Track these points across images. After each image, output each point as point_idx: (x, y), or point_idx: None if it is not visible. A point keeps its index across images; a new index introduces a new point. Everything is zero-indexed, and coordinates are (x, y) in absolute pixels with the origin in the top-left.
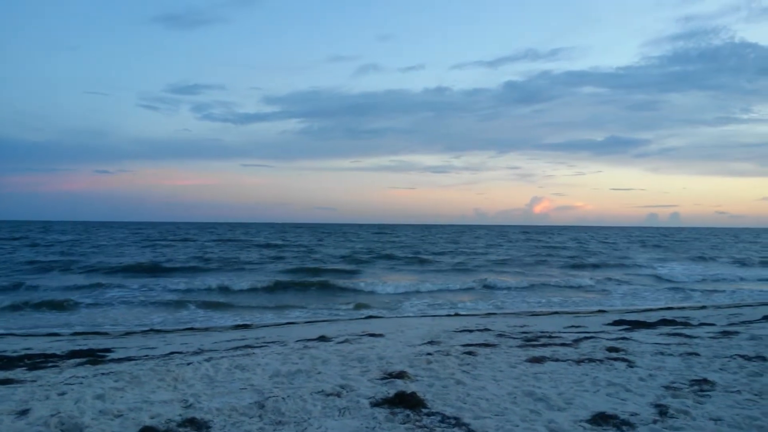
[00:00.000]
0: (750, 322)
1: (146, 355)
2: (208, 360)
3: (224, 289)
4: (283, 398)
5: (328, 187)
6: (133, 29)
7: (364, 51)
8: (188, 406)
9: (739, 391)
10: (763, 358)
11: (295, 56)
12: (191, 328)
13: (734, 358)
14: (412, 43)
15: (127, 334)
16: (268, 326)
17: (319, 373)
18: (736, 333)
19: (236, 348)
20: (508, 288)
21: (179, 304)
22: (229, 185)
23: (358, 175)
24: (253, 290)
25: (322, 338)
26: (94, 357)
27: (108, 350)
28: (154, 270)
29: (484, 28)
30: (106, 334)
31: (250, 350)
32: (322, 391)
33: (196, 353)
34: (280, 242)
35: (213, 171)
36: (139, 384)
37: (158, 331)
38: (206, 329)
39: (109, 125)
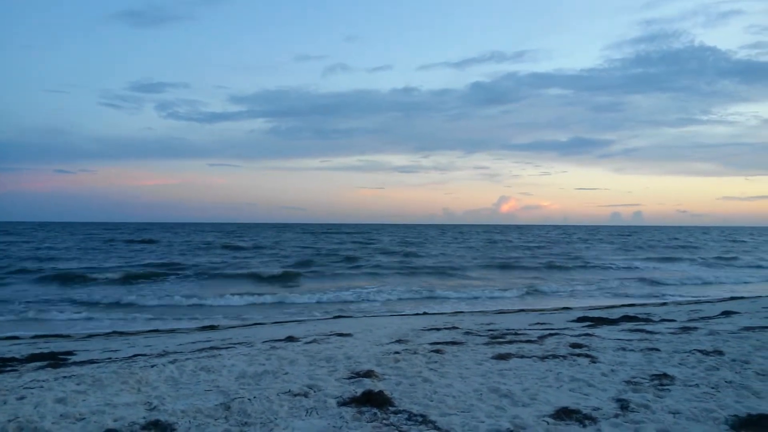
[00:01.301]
0: (709, 318)
1: (109, 358)
2: (172, 362)
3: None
4: (249, 399)
5: (296, 187)
6: (93, 26)
7: (332, 51)
8: (152, 408)
9: (697, 385)
10: (721, 353)
11: (262, 55)
12: (156, 330)
13: (693, 353)
14: (380, 43)
15: (90, 336)
16: (234, 327)
17: (286, 373)
18: (696, 329)
19: (202, 350)
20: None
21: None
22: (195, 185)
23: (327, 175)
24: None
25: (290, 338)
26: (55, 360)
27: (70, 353)
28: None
29: (451, 30)
30: (68, 336)
31: (216, 351)
32: (289, 391)
33: (160, 355)
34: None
35: (178, 171)
36: (101, 387)
37: (122, 333)
38: (171, 331)
39: (70, 124)
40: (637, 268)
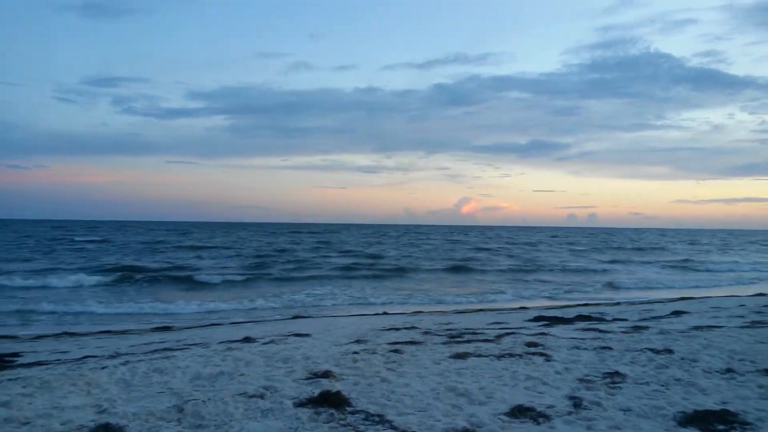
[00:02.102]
0: (660, 317)
1: (58, 360)
2: (124, 363)
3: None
4: (203, 401)
5: (256, 186)
6: (47, 17)
7: (295, 48)
8: (102, 411)
9: (647, 383)
10: (670, 351)
11: (222, 51)
12: (108, 331)
13: (644, 352)
14: (344, 42)
15: (39, 337)
16: (190, 328)
17: (242, 374)
18: (647, 328)
19: (155, 351)
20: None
21: None
22: (151, 182)
23: (288, 174)
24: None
25: (247, 339)
26: (0, 362)
27: (16, 354)
28: None
29: (416, 31)
30: (14, 337)
31: (169, 353)
32: (245, 393)
33: (112, 357)
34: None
35: (134, 167)
36: (49, 389)
37: (72, 334)
38: (124, 332)
39: (23, 118)
40: (594, 270)
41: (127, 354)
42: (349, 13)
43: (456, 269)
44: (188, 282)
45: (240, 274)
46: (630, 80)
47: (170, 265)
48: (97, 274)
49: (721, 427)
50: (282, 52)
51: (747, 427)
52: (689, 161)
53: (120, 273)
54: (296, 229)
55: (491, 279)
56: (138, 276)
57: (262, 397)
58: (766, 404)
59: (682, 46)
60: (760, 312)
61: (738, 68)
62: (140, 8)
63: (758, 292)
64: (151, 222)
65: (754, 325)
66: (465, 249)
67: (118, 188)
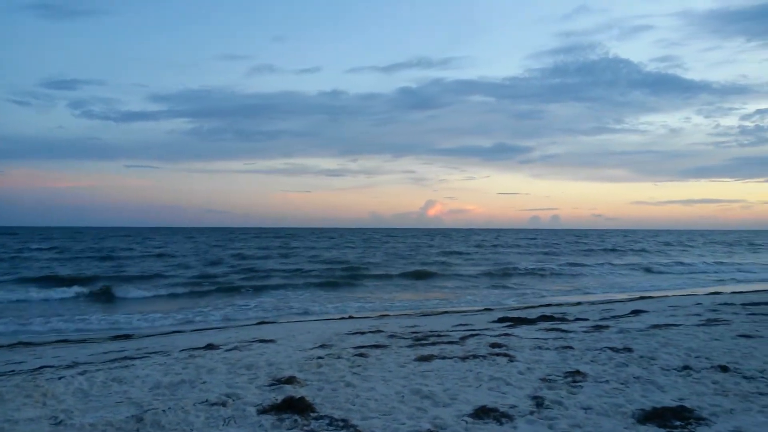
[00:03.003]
0: (620, 316)
1: (12, 371)
2: (82, 373)
3: None
4: (163, 410)
5: (219, 190)
6: (0, 17)
7: (258, 51)
8: (58, 423)
9: (607, 381)
10: (630, 350)
11: (183, 53)
12: (65, 340)
13: (604, 351)
14: (308, 45)
15: None
16: (151, 336)
17: (204, 382)
18: (607, 327)
19: (114, 360)
20: None
21: None
22: (110, 187)
23: (252, 178)
24: None
25: (210, 346)
26: None
27: None
28: None
29: (380, 34)
30: None
31: (129, 362)
32: (207, 401)
33: (69, 367)
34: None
35: (92, 172)
36: (1, 402)
37: (27, 344)
38: (82, 341)
39: None
40: (561, 273)
41: (85, 363)
42: (313, 16)
43: (418, 274)
44: (113, 295)
45: (183, 284)
46: (590, 85)
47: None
48: (41, 286)
49: (678, 423)
50: (245, 55)
51: (702, 422)
52: (647, 164)
53: (66, 285)
54: (259, 234)
55: (455, 284)
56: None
57: (224, 404)
58: (721, 399)
59: (639, 52)
60: (715, 310)
61: (694, 73)
62: (98, 9)
63: (714, 291)
64: (109, 228)
65: (709, 323)
66: (430, 252)
67: (75, 193)
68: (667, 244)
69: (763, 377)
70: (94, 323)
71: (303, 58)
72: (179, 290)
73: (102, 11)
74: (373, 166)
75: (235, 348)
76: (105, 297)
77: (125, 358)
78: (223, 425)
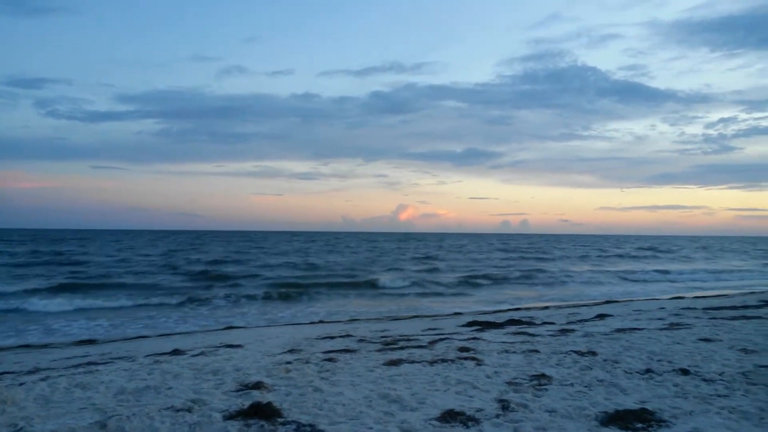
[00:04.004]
0: (585, 320)
1: None
2: (44, 379)
3: None
4: (127, 417)
5: (190, 192)
6: None
7: (229, 52)
8: (18, 430)
9: (572, 384)
10: (594, 353)
11: (152, 53)
12: (27, 345)
13: (569, 354)
14: (280, 47)
15: None
16: (116, 341)
17: (170, 388)
18: (573, 330)
19: (78, 365)
20: None
21: None
22: (76, 189)
23: (222, 181)
24: None
25: (176, 352)
26: None
27: None
28: None
29: (352, 38)
30: None
31: (93, 367)
32: (172, 407)
33: (30, 372)
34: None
35: (58, 173)
36: None
37: None
38: (44, 346)
39: None
40: (526, 276)
41: (47, 369)
42: (285, 19)
43: (372, 283)
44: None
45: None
46: (559, 92)
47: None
48: None
49: (640, 425)
50: (215, 56)
51: (662, 424)
52: (614, 170)
53: None
54: (229, 238)
55: (417, 290)
56: None
57: (189, 410)
58: (681, 402)
59: (607, 60)
60: (678, 314)
61: (659, 82)
62: (65, 7)
63: (677, 295)
64: (74, 231)
65: (672, 327)
66: (403, 258)
67: (39, 194)
68: (651, 249)
69: (722, 380)
70: None
71: (275, 60)
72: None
73: (69, 9)
74: (345, 170)
75: (202, 353)
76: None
77: (89, 363)
78: (188, 431)
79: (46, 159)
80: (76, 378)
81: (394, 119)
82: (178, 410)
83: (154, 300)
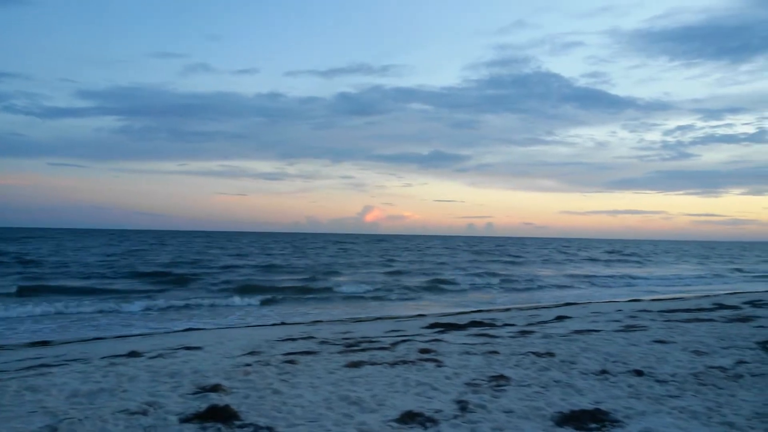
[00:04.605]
0: (545, 322)
1: None
2: None
3: None
4: (80, 420)
5: (151, 191)
6: None
7: (193, 49)
8: None
9: (529, 385)
10: (552, 355)
11: (114, 48)
12: None
13: (528, 355)
14: (246, 45)
15: None
16: (71, 342)
17: (125, 391)
18: (532, 332)
19: (30, 368)
20: None
21: None
22: (33, 186)
23: (185, 180)
24: None
25: (133, 354)
26: None
27: None
28: None
29: (319, 38)
30: None
31: (46, 369)
32: (126, 409)
33: None
34: None
35: (13, 170)
36: None
37: None
38: None
39: None
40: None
41: None
42: (250, 16)
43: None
44: None
45: None
46: (523, 97)
47: None
48: None
49: (594, 425)
50: (179, 53)
51: (616, 424)
52: (576, 175)
53: None
54: (190, 237)
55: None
56: None
57: (144, 413)
58: (634, 402)
59: (570, 67)
60: (634, 317)
61: (620, 89)
62: None
63: (634, 298)
64: (29, 229)
65: (628, 329)
66: (372, 262)
67: None
68: (614, 252)
69: (674, 381)
70: None
71: (240, 59)
72: None
73: (28, 2)
74: (311, 171)
75: (160, 355)
76: None
77: (42, 365)
78: None
79: (1, 156)
80: (27, 381)
81: (360, 121)
82: (132, 413)
83: (110, 301)
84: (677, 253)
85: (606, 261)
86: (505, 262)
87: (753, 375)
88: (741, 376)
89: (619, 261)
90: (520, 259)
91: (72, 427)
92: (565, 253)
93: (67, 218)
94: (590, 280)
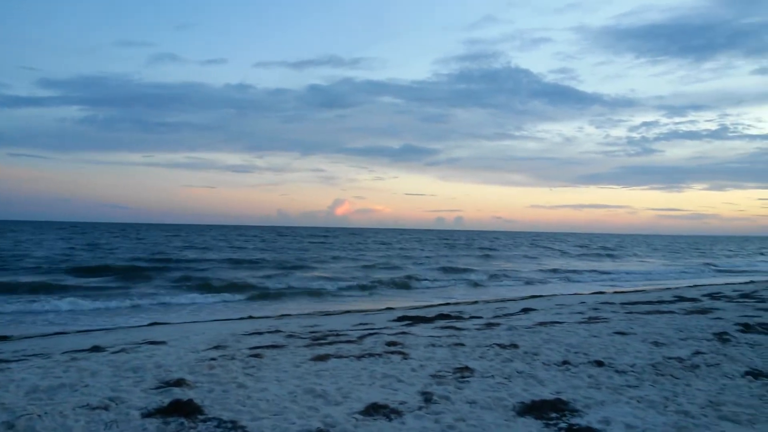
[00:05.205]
0: (511, 314)
1: None
2: None
3: None
4: (39, 416)
5: (117, 183)
6: None
7: (160, 38)
8: None
9: (492, 376)
10: (516, 346)
11: (78, 36)
12: None
13: (492, 347)
14: (214, 35)
15: None
16: (32, 337)
17: (86, 386)
18: (498, 324)
19: None
20: None
21: None
22: None
23: (152, 171)
24: None
25: (96, 348)
26: None
27: None
28: None
29: (289, 29)
30: None
31: (4, 365)
32: (88, 405)
33: None
34: None
35: None
36: None
37: None
38: None
39: None
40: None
41: None
42: (219, 6)
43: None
44: None
45: None
46: (493, 92)
47: None
48: None
49: (554, 414)
50: (145, 42)
51: (575, 413)
52: (544, 170)
53: None
54: (156, 230)
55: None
56: None
57: (106, 408)
58: (594, 392)
59: (539, 63)
60: (596, 309)
61: (587, 86)
62: None
63: (598, 291)
64: None
65: (590, 321)
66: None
67: None
68: (583, 246)
69: (633, 371)
70: None
71: (208, 49)
72: None
73: None
74: (281, 164)
75: (123, 350)
76: None
77: (0, 360)
78: (104, 429)
79: None
80: None
81: (331, 113)
82: (93, 408)
83: (72, 295)
84: (647, 246)
85: (576, 255)
86: (477, 257)
87: (708, 365)
88: (697, 366)
89: (586, 255)
90: (491, 253)
91: (30, 423)
92: (536, 246)
93: (27, 210)
94: (562, 274)
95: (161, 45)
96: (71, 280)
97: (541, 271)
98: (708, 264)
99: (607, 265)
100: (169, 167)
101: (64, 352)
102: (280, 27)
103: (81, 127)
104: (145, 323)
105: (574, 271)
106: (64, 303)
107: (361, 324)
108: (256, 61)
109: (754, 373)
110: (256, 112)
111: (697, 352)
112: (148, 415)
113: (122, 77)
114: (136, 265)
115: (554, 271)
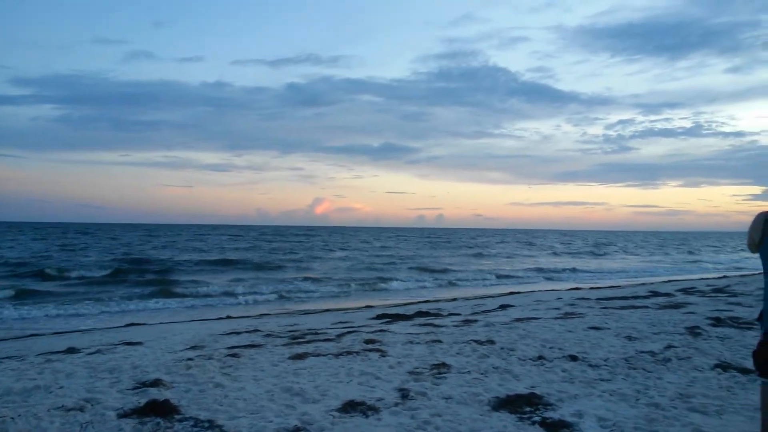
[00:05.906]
0: (489, 311)
1: None
2: None
3: None
4: (12, 418)
5: (92, 183)
6: None
7: (136, 36)
8: None
9: (469, 372)
10: (492, 342)
11: (52, 34)
12: None
13: (469, 343)
14: (191, 32)
15: None
16: (5, 340)
17: (61, 387)
18: (475, 321)
19: None
20: None
21: None
22: None
23: (128, 171)
24: None
25: (71, 350)
26: None
27: None
28: None
29: (267, 27)
30: None
31: None
32: (63, 406)
33: None
34: None
35: None
36: None
37: None
38: None
39: None
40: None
41: None
42: (196, 2)
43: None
44: None
45: None
46: (471, 90)
47: None
48: None
49: (528, 408)
50: (121, 39)
51: (549, 407)
52: (522, 168)
53: None
54: (132, 230)
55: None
56: None
57: (81, 409)
58: (567, 386)
59: (516, 62)
60: (573, 304)
61: (564, 84)
62: None
63: (575, 287)
64: None
65: (566, 316)
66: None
67: None
68: (564, 243)
69: (606, 365)
70: None
71: (184, 46)
72: None
73: None
74: (260, 162)
75: (98, 351)
76: None
77: None
78: (79, 431)
79: None
80: None
81: (309, 112)
82: (69, 409)
83: (44, 297)
84: (625, 242)
85: (556, 252)
86: (459, 255)
87: (680, 358)
88: (669, 360)
89: (576, 252)
90: (472, 250)
91: (4, 426)
92: (516, 243)
93: (3, 212)
94: (541, 272)
95: (137, 42)
96: (39, 285)
97: (520, 268)
98: (698, 260)
99: (585, 261)
100: (146, 166)
101: (39, 354)
102: (257, 25)
103: (56, 126)
104: (122, 324)
105: (553, 270)
106: (35, 310)
107: (340, 322)
108: (233, 59)
109: (723, 366)
110: (233, 110)
111: (669, 346)
112: (124, 415)
113: (97, 75)
114: (115, 267)
115: (533, 268)
